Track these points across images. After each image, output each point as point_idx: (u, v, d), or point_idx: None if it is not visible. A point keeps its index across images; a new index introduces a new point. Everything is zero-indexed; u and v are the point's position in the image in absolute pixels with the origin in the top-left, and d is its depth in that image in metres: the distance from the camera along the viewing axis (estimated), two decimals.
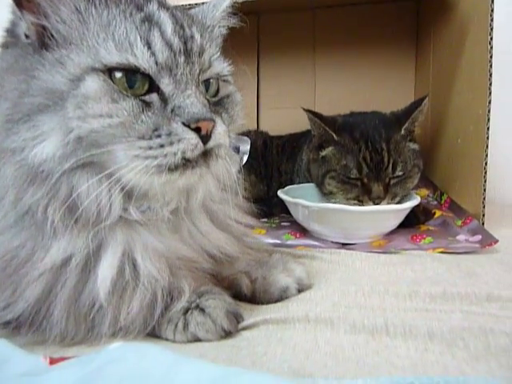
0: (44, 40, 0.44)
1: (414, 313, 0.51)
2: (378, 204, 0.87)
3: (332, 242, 0.86)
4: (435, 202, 1.05)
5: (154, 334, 0.48)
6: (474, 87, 0.88)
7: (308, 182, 1.03)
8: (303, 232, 0.91)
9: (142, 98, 0.44)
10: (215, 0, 0.58)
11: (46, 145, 0.42)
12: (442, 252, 0.77)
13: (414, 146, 0.91)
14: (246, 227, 0.64)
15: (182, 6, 0.56)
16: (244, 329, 0.49)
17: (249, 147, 1.04)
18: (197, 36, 0.48)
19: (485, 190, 0.85)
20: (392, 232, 0.88)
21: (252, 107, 1.42)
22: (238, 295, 0.58)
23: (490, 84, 0.82)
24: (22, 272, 0.44)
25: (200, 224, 0.55)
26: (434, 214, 0.96)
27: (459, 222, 0.90)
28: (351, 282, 0.62)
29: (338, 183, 0.90)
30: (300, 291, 0.59)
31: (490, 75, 0.82)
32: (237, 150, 1.05)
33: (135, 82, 0.44)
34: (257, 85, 1.41)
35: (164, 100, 0.45)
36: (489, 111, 0.83)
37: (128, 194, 0.46)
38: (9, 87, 0.44)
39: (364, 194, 0.87)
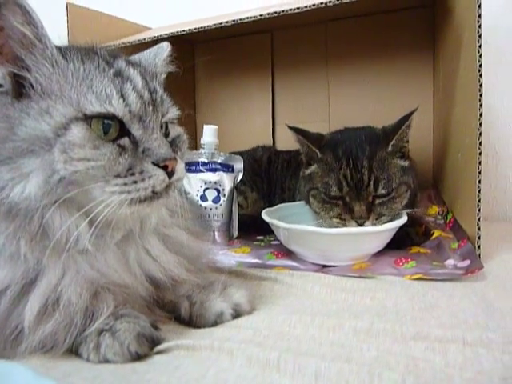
0: (21, 90, 0.49)
1: (329, 347, 0.48)
2: (361, 224, 0.83)
3: (312, 263, 0.84)
4: (442, 221, 0.97)
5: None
6: (467, 98, 0.80)
7: None
8: (286, 252, 0.89)
9: (117, 142, 0.50)
10: (154, 50, 0.64)
11: (26, 185, 0.47)
12: (419, 278, 0.71)
13: (403, 163, 0.86)
14: (200, 249, 0.66)
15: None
16: (158, 352, 0.51)
17: (242, 165, 1.06)
18: (158, 88, 0.56)
19: (479, 209, 0.77)
20: (379, 253, 0.84)
21: (267, 123, 1.44)
22: (179, 319, 0.60)
23: (481, 95, 0.74)
24: None
25: (152, 248, 0.59)
26: (433, 234, 0.89)
27: (455, 245, 0.82)
28: (291, 310, 0.60)
29: (319, 203, 0.88)
30: (236, 317, 0.59)
31: (480, 85, 0.74)
32: (231, 168, 1.08)
33: (109, 127, 0.50)
34: (272, 100, 1.42)
35: (135, 143, 0.51)
36: (480, 124, 0.75)
37: (91, 225, 0.50)
38: None
39: (346, 213, 0.84)
